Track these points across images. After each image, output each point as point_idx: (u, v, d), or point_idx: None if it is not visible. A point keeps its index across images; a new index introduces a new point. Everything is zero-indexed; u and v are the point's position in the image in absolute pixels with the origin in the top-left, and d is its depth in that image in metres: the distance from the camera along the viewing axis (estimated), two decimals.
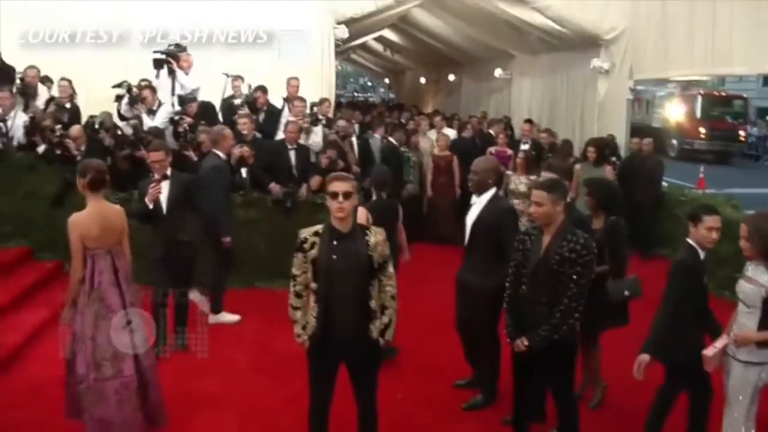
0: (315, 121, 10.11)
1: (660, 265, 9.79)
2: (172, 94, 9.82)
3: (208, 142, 8.57)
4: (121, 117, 9.64)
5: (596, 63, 13.29)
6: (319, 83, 11.72)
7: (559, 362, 4.73)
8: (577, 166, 10.16)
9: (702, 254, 4.64)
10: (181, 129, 9.16)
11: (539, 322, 4.63)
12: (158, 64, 9.82)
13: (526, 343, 4.69)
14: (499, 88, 19.60)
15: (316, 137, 9.98)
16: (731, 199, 10.10)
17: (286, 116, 10.09)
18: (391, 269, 4.46)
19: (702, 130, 27.91)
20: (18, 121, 9.11)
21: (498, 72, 18.93)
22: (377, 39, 25.56)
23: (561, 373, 4.80)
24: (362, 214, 5.73)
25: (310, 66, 11.59)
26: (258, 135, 9.51)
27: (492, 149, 11.49)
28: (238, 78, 10.41)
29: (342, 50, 16.69)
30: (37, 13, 11.13)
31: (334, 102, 12.91)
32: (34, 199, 8.81)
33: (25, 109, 9.51)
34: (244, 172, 8.59)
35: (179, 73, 9.86)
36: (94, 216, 4.91)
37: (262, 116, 10.19)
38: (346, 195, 4.23)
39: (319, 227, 4.37)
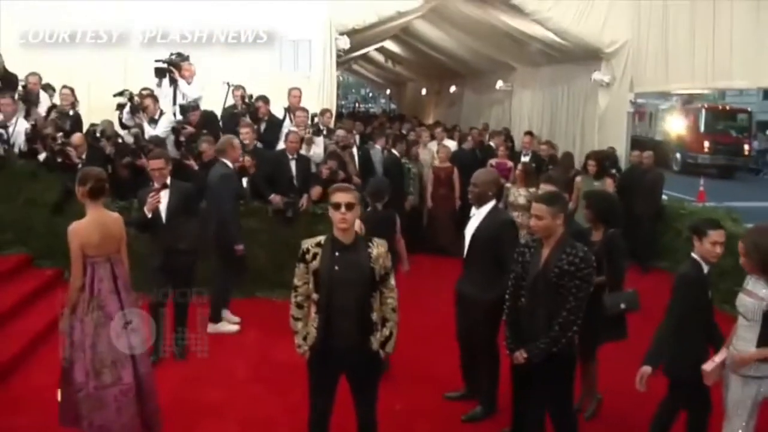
0: (317, 132, 10.11)
1: (659, 278, 9.87)
2: (174, 103, 9.85)
3: (209, 151, 8.61)
4: (123, 126, 9.66)
5: (597, 76, 13.36)
6: (321, 94, 11.74)
7: (557, 375, 4.72)
8: (578, 179, 10.20)
9: (706, 268, 4.65)
10: (182, 138, 9.18)
11: (538, 335, 4.63)
12: (160, 72, 9.85)
13: (525, 355, 4.69)
14: (500, 100, 19.66)
15: (317, 148, 9.98)
16: (731, 212, 10.09)
17: (287, 126, 10.10)
18: (392, 281, 4.46)
19: (706, 144, 27.55)
20: (19, 127, 9.12)
21: (499, 84, 18.99)
22: (379, 50, 25.65)
23: (559, 385, 4.78)
24: (356, 225, 5.72)
25: (311, 76, 11.62)
26: (259, 145, 9.53)
27: (492, 161, 11.51)
28: (239, 87, 10.39)
29: (343, 61, 16.74)
30: (37, 13, 11.18)
31: (336, 112, 12.93)
32: (34, 207, 8.80)
33: (27, 116, 9.51)
34: (244, 181, 8.60)
35: (181, 82, 9.89)
36: (94, 224, 4.92)
37: (263, 126, 10.18)
38: (349, 206, 4.24)
39: (321, 238, 4.37)
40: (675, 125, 29.35)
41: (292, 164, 9.12)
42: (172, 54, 10.01)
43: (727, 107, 30.99)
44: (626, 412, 5.94)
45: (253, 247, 8.58)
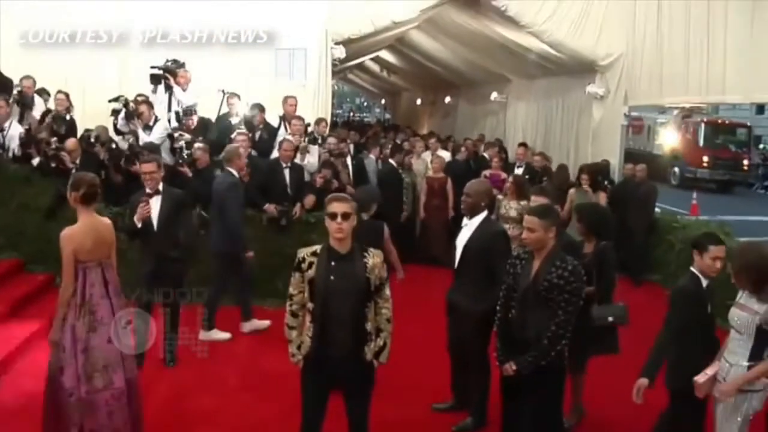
0: (313, 141, 10.11)
1: (651, 291, 9.89)
2: (169, 110, 9.84)
3: (203, 158, 8.62)
4: (118, 132, 9.65)
5: (591, 89, 13.42)
6: (316, 102, 11.75)
7: (546, 387, 4.72)
8: (571, 191, 10.21)
9: (705, 282, 4.68)
10: (177, 145, 9.17)
11: (528, 347, 4.64)
12: (155, 79, 9.83)
13: (514, 367, 4.70)
14: (494, 112, 19.70)
15: (311, 157, 9.96)
16: (724, 225, 10.13)
17: (282, 134, 10.10)
18: (387, 292, 4.46)
19: (705, 158, 27.11)
20: (13, 131, 9.11)
21: (494, 95, 19.02)
22: (374, 59, 25.68)
23: (548, 397, 4.79)
24: None
25: (307, 85, 11.63)
26: (253, 153, 9.52)
27: (486, 172, 11.53)
28: (234, 95, 10.37)
29: (339, 70, 16.77)
30: (37, 13, 11.14)
31: (330, 121, 12.94)
32: (27, 212, 8.79)
33: (21, 120, 9.50)
34: None
35: (176, 89, 9.88)
36: (87, 229, 4.91)
37: (258, 135, 10.18)
38: (345, 216, 4.24)
39: (317, 247, 4.37)
40: (674, 139, 28.86)
41: (286, 173, 9.09)
42: (168, 60, 9.99)
43: (727, 121, 30.56)
44: (614, 425, 5.95)
45: None
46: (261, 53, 11.36)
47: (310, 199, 9.00)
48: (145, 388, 5.48)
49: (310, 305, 4.33)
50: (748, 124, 30.26)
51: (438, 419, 6.06)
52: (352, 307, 4.28)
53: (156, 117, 9.48)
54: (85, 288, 4.88)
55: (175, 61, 10.00)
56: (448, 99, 24.30)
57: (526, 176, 11.10)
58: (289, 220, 8.84)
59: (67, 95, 10.03)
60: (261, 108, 10.21)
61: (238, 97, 10.40)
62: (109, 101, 9.56)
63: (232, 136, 9.26)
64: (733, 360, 4.41)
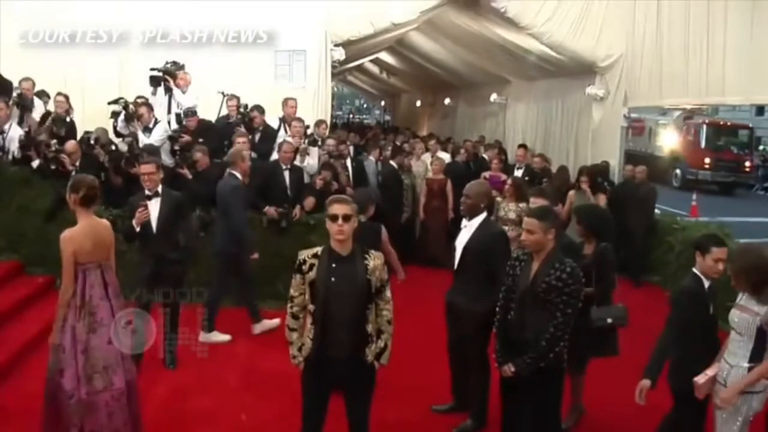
0: (313, 143, 10.11)
1: (651, 293, 9.89)
2: (168, 111, 9.85)
3: (203, 160, 8.62)
4: (117, 134, 9.64)
5: (591, 90, 13.42)
6: (316, 104, 11.75)
7: (545, 388, 4.73)
8: (571, 192, 10.21)
9: (707, 283, 4.68)
10: (177, 147, 9.18)
11: (527, 348, 4.65)
12: (155, 81, 9.85)
13: (513, 369, 4.71)
14: (494, 113, 19.70)
15: (311, 159, 9.95)
16: (723, 227, 10.11)
17: (281, 136, 10.09)
18: (388, 293, 4.46)
19: (707, 160, 26.97)
20: (13, 134, 9.09)
21: (493, 97, 19.03)
22: (374, 61, 25.70)
23: (547, 398, 4.79)
24: None
25: (306, 86, 11.63)
26: (253, 155, 9.51)
27: (486, 174, 11.52)
28: (233, 97, 10.36)
29: (338, 71, 16.77)
30: (37, 13, 11.17)
31: (330, 123, 12.93)
32: (27, 214, 8.78)
33: (21, 123, 9.50)
34: None
35: (176, 91, 9.89)
36: (87, 231, 4.92)
37: (257, 136, 10.17)
38: (346, 218, 4.24)
39: (318, 249, 4.37)
40: (675, 140, 28.73)
41: (286, 174, 9.09)
42: (167, 62, 10.00)
43: (729, 123, 30.36)
44: (614, 426, 5.95)
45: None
46: (261, 54, 11.38)
47: (309, 201, 9.00)
48: (144, 388, 5.50)
49: (310, 307, 4.33)
50: (750, 125, 30.14)
51: (438, 420, 6.06)
52: (353, 308, 4.28)
53: (156, 119, 9.49)
54: (85, 289, 4.89)
55: (174, 63, 10.02)
56: (447, 101, 24.32)
57: (526, 178, 11.11)
58: (289, 222, 8.83)
59: (66, 97, 10.03)
60: (260, 109, 10.21)
61: (238, 98, 10.37)
62: (109, 103, 9.56)
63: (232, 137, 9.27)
64: (734, 361, 4.41)
